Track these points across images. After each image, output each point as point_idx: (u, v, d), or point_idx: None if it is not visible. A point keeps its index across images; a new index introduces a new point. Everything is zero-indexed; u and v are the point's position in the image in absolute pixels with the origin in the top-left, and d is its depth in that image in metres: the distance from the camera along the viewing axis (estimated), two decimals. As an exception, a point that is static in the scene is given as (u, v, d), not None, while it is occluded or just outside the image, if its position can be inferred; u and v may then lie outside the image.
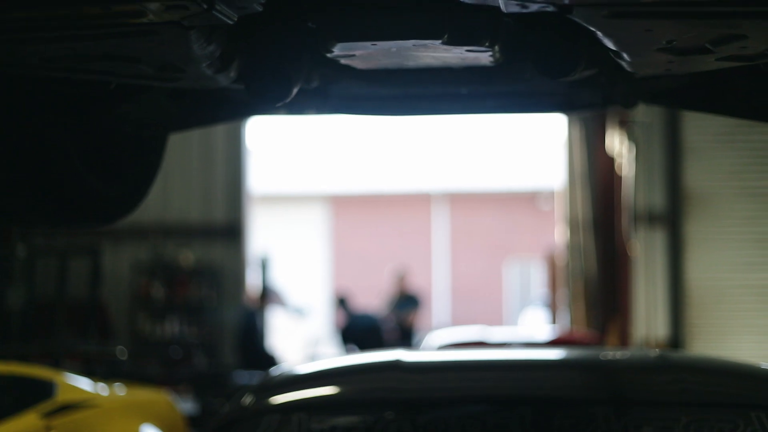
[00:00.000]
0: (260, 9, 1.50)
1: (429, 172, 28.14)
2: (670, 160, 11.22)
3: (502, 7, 1.41)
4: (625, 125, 10.86)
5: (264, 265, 12.37)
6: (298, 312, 15.78)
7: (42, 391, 5.91)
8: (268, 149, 24.43)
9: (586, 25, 1.53)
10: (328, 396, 2.73)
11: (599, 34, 1.58)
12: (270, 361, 10.29)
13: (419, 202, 28.86)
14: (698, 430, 2.40)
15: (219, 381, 9.44)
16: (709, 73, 2.07)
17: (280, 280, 16.05)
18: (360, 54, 1.83)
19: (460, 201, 28.83)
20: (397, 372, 2.77)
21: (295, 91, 1.90)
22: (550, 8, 1.44)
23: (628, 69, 1.88)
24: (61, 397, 5.93)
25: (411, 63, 1.91)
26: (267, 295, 11.33)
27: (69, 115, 2.12)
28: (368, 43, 1.78)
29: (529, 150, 27.32)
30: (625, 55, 1.75)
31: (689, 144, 10.96)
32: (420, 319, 12.70)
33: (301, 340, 16.38)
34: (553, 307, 13.69)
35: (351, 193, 28.74)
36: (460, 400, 2.63)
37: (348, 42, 1.73)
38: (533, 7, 1.43)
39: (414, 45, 1.79)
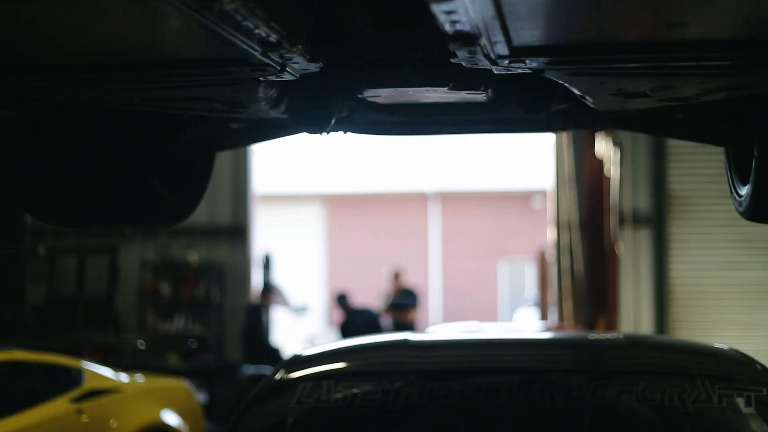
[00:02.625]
0: (317, 70, 2.03)
1: (424, 171, 28.14)
2: (654, 163, 11.54)
3: (493, 70, 1.95)
4: (611, 130, 11.22)
5: (267, 264, 12.75)
6: (299, 310, 16.17)
7: (72, 378, 6.41)
8: (266, 149, 24.74)
9: (555, 79, 2.08)
10: (350, 367, 3.25)
11: (566, 84, 2.13)
12: (274, 355, 10.59)
13: (415, 201, 28.99)
14: (653, 393, 2.93)
15: (226, 374, 9.83)
16: (656, 107, 2.62)
17: (279, 278, 16.45)
18: (384, 95, 2.38)
19: (455, 201, 28.97)
20: (405, 349, 3.29)
21: (333, 122, 2.45)
22: (529, 70, 1.99)
23: (591, 106, 2.44)
24: (88, 384, 6.42)
25: (423, 100, 2.47)
26: (270, 293, 11.69)
27: (147, 139, 2.66)
28: (391, 89, 2.33)
29: (522, 150, 27.51)
30: (587, 98, 2.30)
31: (673, 148, 11.33)
32: (418, 316, 13.00)
33: (300, 337, 16.76)
34: (543, 304, 14.04)
35: (347, 193, 28.71)
36: (459, 371, 3.16)
37: (376, 88, 2.28)
38: (515, 70, 1.97)
39: (426, 90, 2.34)
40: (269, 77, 2.00)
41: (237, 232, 12.35)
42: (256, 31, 1.59)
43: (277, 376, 3.20)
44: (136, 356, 8.43)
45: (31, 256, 10.56)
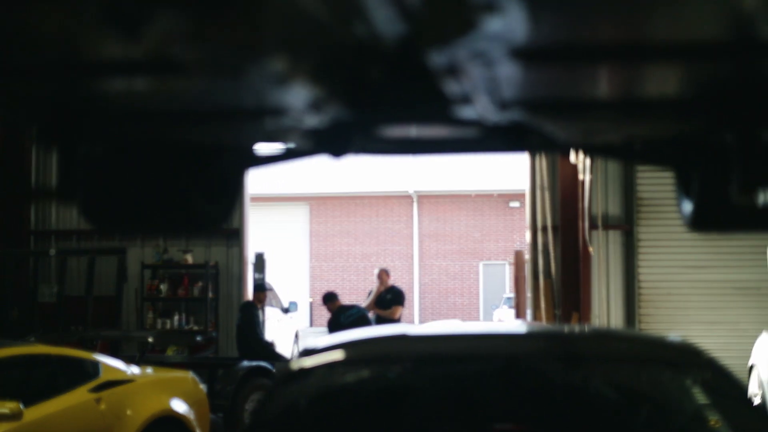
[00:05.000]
0: (349, 117, 2.60)
1: (408, 172, 28.50)
2: (624, 170, 12.03)
3: (484, 123, 2.54)
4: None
5: (259, 264, 13.19)
6: (289, 308, 16.61)
7: (90, 370, 6.94)
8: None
9: (532, 122, 2.68)
10: (358, 355, 3.79)
11: (540, 128, 2.73)
12: (268, 350, 11.03)
13: (398, 201, 29.35)
14: (612, 375, 3.51)
15: (224, 368, 10.24)
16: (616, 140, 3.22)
17: (270, 278, 16.91)
18: (393, 130, 2.97)
19: (432, 201, 29.47)
20: (404, 340, 3.86)
21: (350, 152, 3.02)
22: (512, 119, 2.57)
23: (563, 141, 3.03)
24: (104, 375, 6.96)
25: (425, 134, 3.06)
26: (263, 291, 12.11)
27: (194, 164, 3.24)
28: (401, 128, 2.91)
29: (501, 155, 27.66)
30: (558, 136, 2.90)
31: (642, 155, 11.80)
32: (403, 314, 13.40)
33: (288, 334, 17.22)
34: (519, 303, 14.44)
35: (329, 193, 29.05)
36: (451, 358, 3.72)
37: (389, 125, 2.86)
38: (501, 118, 2.56)
39: (428, 127, 2.92)
40: (307, 121, 2.55)
41: (231, 234, 12.80)
42: (308, 93, 2.12)
43: (295, 365, 3.72)
44: (143, 350, 8.92)
45: (42, 257, 11.00)
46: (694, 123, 2.69)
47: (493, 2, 1.37)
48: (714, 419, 3.43)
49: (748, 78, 1.98)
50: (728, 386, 3.37)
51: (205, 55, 1.70)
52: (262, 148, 3.64)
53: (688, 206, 3.37)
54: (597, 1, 1.48)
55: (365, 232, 29.19)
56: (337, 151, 2.95)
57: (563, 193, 12.11)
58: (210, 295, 12.75)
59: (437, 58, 1.78)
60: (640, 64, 1.96)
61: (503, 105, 2.34)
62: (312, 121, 2.56)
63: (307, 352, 3.85)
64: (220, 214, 3.48)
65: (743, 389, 3.37)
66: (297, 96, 2.18)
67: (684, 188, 3.48)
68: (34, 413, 6.09)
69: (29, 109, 2.37)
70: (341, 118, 2.62)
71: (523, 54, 1.72)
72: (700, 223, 3.26)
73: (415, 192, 29.03)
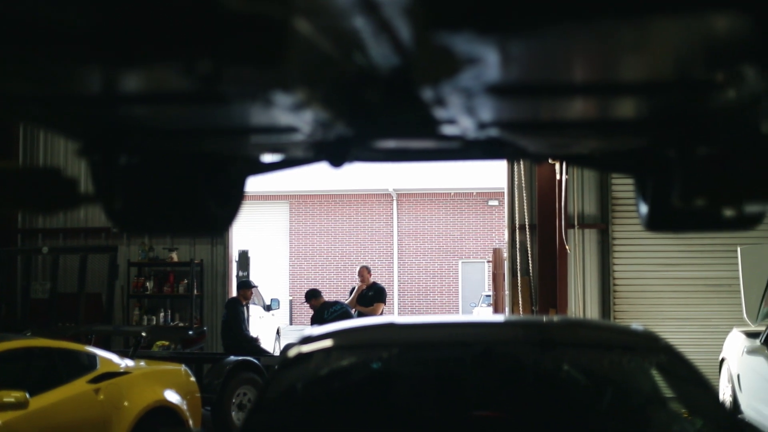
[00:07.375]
0: (351, 134, 2.98)
1: (387, 171, 28.65)
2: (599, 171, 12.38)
3: (466, 137, 2.92)
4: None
5: (243, 262, 13.50)
6: (270, 305, 16.91)
7: (87, 363, 7.26)
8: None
9: (507, 138, 3.06)
10: (352, 342, 4.15)
11: (514, 142, 3.12)
12: (253, 345, 11.37)
13: (377, 200, 29.60)
14: (580, 358, 3.89)
15: (211, 362, 10.55)
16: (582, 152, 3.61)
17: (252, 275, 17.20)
18: (386, 142, 3.34)
19: (411, 200, 29.79)
20: (393, 328, 4.23)
21: (348, 161, 3.40)
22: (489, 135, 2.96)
23: (535, 152, 3.42)
24: (102, 368, 7.29)
25: (414, 145, 3.44)
26: (247, 288, 12.40)
27: (207, 172, 3.61)
28: (394, 141, 3.29)
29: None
30: (530, 148, 3.29)
31: (616, 157, 12.09)
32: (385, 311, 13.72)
33: (269, 331, 17.55)
34: (499, 301, 14.73)
35: (308, 191, 29.33)
36: (435, 344, 4.09)
37: (383, 139, 3.24)
38: (480, 135, 2.94)
39: (418, 140, 3.30)
40: (313, 137, 2.92)
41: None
42: (318, 116, 2.49)
43: (293, 352, 4.06)
44: (137, 344, 9.23)
45: (35, 255, 11.24)
46: (645, 139, 3.09)
47: (475, 56, 1.74)
48: (684, 412, 3.80)
49: (686, 106, 2.39)
50: (681, 368, 3.76)
51: (243, 89, 2.06)
52: (267, 157, 4.02)
53: (644, 208, 3.77)
54: (559, 53, 1.86)
55: (345, 231, 29.45)
56: (336, 160, 3.29)
57: (541, 192, 12.36)
58: (195, 292, 13.03)
59: (427, 92, 2.16)
60: (600, 96, 2.36)
61: (482, 125, 2.71)
62: (317, 136, 2.91)
63: (304, 341, 4.19)
64: (228, 217, 3.85)
65: (694, 370, 3.76)
66: (308, 117, 2.52)
67: (641, 193, 3.88)
68: (37, 402, 6.40)
69: (81, 128, 2.74)
70: (343, 134, 2.97)
71: (498, 90, 2.11)
72: (652, 223, 3.66)
73: (395, 190, 29.30)
